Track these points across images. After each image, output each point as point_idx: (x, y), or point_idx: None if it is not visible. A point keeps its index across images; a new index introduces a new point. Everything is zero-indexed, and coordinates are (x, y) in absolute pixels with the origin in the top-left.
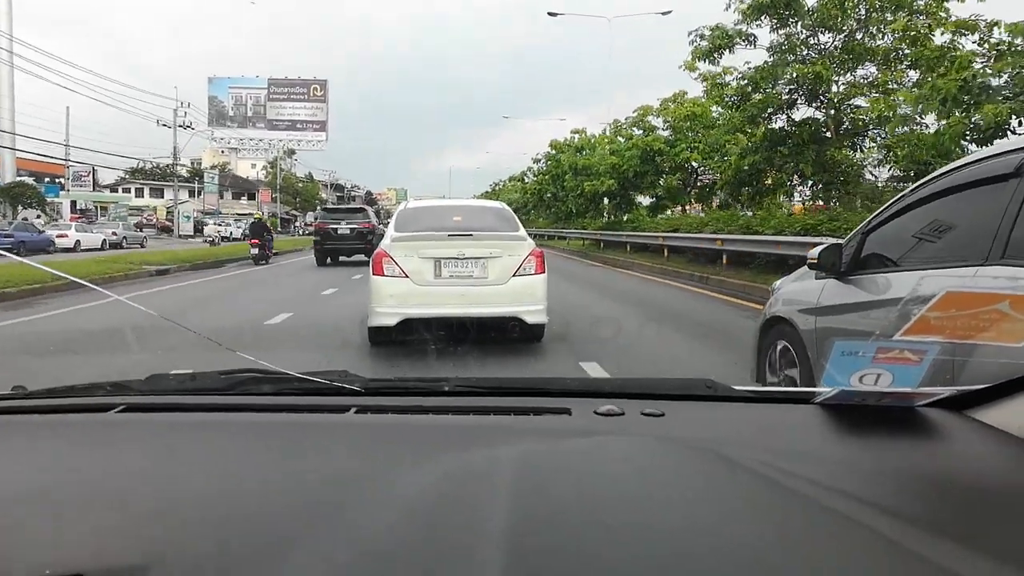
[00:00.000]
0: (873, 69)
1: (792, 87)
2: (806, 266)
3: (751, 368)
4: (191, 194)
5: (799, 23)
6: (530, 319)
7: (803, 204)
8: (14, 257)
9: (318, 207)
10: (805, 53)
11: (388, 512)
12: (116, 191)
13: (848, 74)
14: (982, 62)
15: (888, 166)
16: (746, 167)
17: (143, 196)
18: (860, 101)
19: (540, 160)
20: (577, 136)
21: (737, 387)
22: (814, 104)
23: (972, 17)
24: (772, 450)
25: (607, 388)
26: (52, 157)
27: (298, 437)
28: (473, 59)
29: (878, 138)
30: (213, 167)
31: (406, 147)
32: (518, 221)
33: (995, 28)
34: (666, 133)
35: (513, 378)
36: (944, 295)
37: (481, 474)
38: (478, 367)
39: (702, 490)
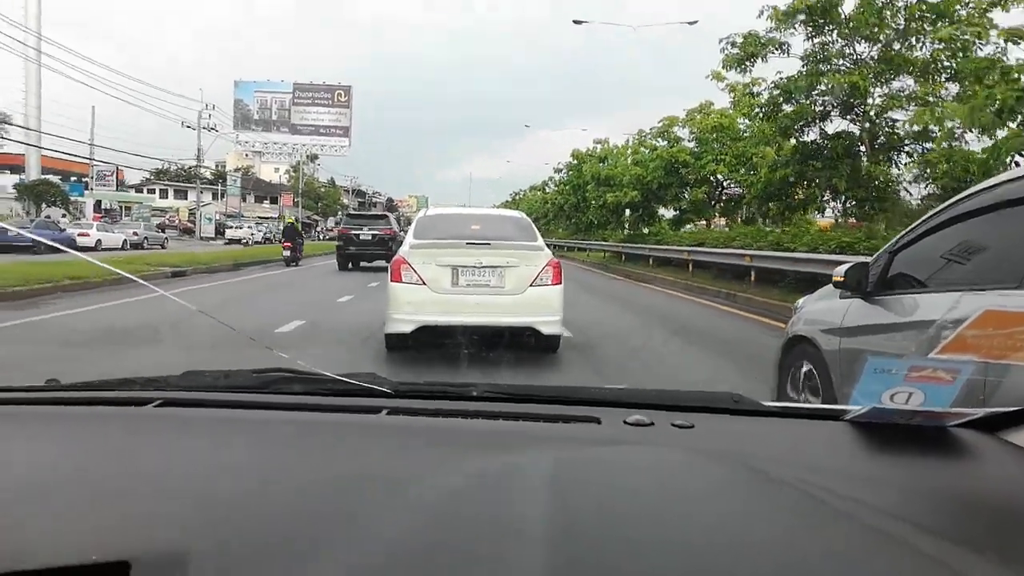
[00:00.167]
0: (910, 82)
1: (826, 98)
2: (831, 285)
3: (771, 387)
4: (214, 196)
5: (835, 32)
6: (546, 330)
7: (836, 220)
8: (76, 253)
9: (340, 212)
10: (840, 63)
11: (420, 515)
12: (141, 192)
13: (884, 86)
14: None
15: (924, 183)
16: (777, 180)
17: (167, 197)
18: (897, 115)
19: (562, 170)
20: (600, 146)
21: (765, 403)
22: (848, 117)
23: None
24: (803, 465)
25: (635, 399)
26: (77, 156)
27: (330, 437)
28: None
29: (914, 153)
30: (237, 170)
31: (428, 155)
32: (536, 231)
33: None
34: (691, 144)
35: (541, 386)
36: (983, 313)
37: (513, 479)
38: (496, 376)
39: (738, 503)
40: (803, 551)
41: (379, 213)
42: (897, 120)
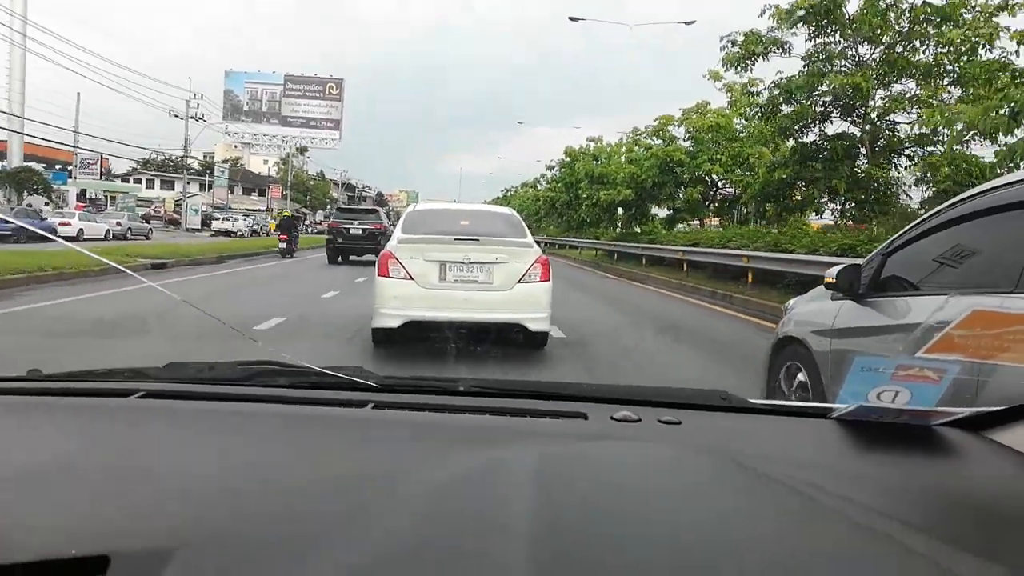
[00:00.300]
0: (912, 85)
1: (828, 99)
2: (822, 286)
3: (761, 388)
4: (202, 187)
5: (837, 33)
6: (533, 326)
7: (835, 222)
8: (64, 243)
9: (328, 206)
10: (841, 64)
11: (407, 509)
12: (128, 181)
13: (886, 88)
14: None
15: (926, 186)
16: (775, 181)
17: (154, 187)
18: (899, 117)
19: (554, 167)
20: (593, 144)
21: (752, 400)
22: (849, 118)
23: None
24: (790, 462)
25: (622, 394)
26: (61, 144)
27: (315, 430)
28: (490, 64)
29: (915, 156)
30: (225, 161)
31: (418, 149)
32: (525, 227)
33: None
34: (687, 144)
35: (528, 381)
36: (971, 313)
37: (499, 475)
38: (484, 372)
39: (724, 499)
40: (789, 547)
41: (369, 207)
42: (899, 123)
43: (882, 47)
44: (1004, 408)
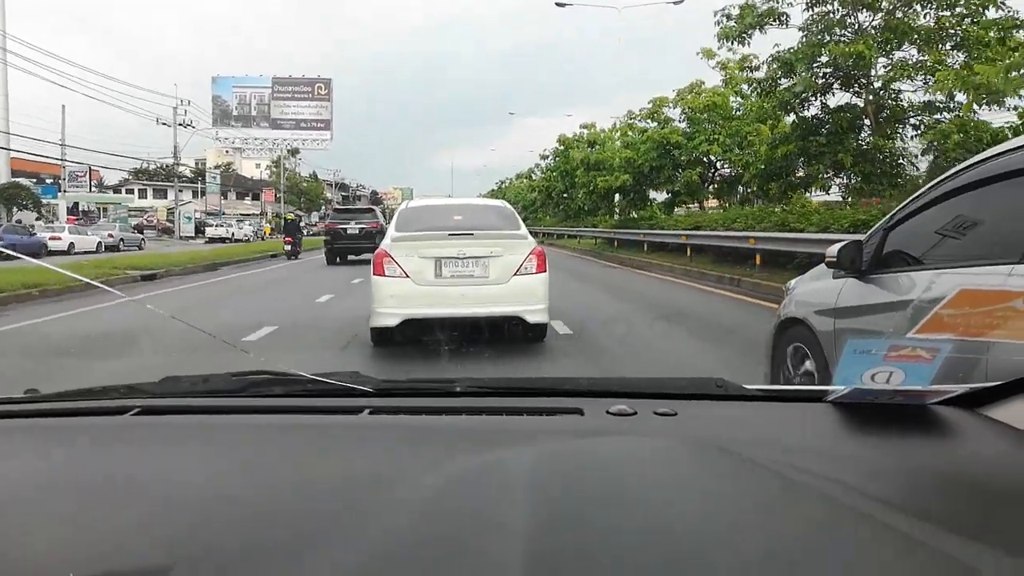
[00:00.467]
0: (913, 51)
1: (828, 70)
2: (823, 264)
3: (764, 372)
4: (195, 194)
5: (836, 1)
6: (531, 318)
7: (844, 198)
8: (31, 260)
9: (323, 207)
10: (840, 33)
11: (404, 514)
12: (120, 192)
13: (888, 56)
14: None
15: (933, 155)
16: (778, 157)
17: (147, 197)
18: (903, 85)
19: (548, 156)
20: (587, 131)
21: (748, 386)
22: (851, 89)
23: None
24: (786, 448)
25: (618, 387)
26: (48, 158)
27: (312, 439)
28: (479, 57)
29: (921, 125)
30: (217, 167)
31: (411, 146)
32: (519, 219)
33: None
34: (683, 125)
35: (524, 378)
36: (958, 292)
37: (496, 475)
38: (489, 369)
39: (719, 489)
40: (786, 534)
41: (365, 207)
42: (903, 91)
43: (881, 13)
44: (999, 384)
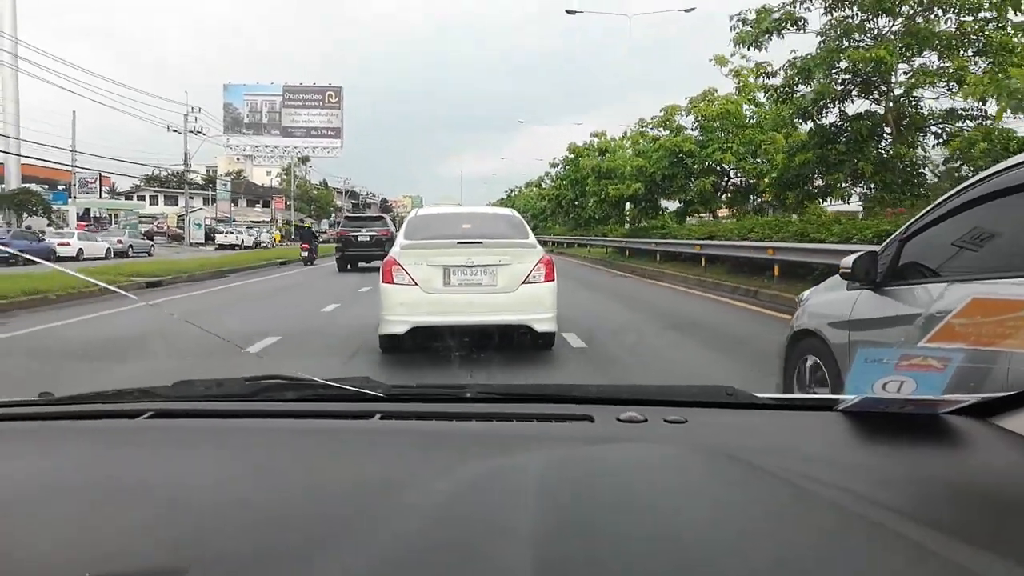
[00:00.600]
0: (933, 58)
1: (847, 77)
2: (837, 276)
3: (776, 384)
4: (206, 201)
5: (855, 5)
6: (539, 327)
7: (865, 207)
8: (48, 264)
9: (333, 215)
10: (859, 39)
11: (414, 518)
12: (131, 199)
13: (908, 62)
14: None
15: (957, 164)
16: (796, 166)
17: (158, 204)
18: (925, 92)
19: (558, 164)
20: (597, 139)
21: (758, 394)
22: (870, 96)
23: None
24: (797, 457)
25: (628, 395)
26: (60, 163)
27: (324, 443)
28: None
29: (943, 134)
30: (228, 174)
31: (421, 153)
32: (528, 228)
33: None
34: (695, 133)
35: (534, 384)
36: (970, 301)
37: (507, 480)
38: (491, 376)
39: (729, 497)
40: (796, 542)
41: (376, 215)
42: (924, 98)
43: (902, 18)
44: (1011, 394)
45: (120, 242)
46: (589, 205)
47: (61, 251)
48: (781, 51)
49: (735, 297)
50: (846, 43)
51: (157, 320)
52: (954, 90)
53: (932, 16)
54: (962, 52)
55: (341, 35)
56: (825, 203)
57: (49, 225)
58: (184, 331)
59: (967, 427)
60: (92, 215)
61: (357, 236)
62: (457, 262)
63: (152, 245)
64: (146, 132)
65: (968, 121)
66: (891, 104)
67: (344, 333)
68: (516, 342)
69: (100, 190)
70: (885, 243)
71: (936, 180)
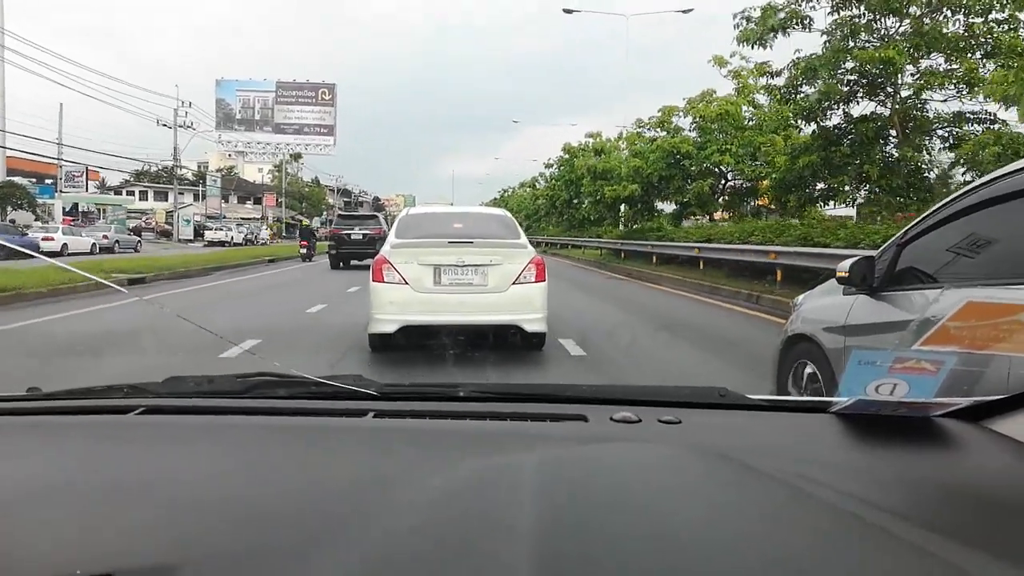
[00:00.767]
0: (940, 60)
1: (853, 77)
2: (833, 280)
3: (770, 389)
4: (196, 197)
5: (862, 5)
6: (529, 327)
7: (871, 210)
8: (44, 258)
9: (324, 212)
10: (866, 39)
11: (409, 516)
12: (121, 193)
13: (915, 64)
14: None
15: (964, 168)
16: (798, 168)
17: (147, 199)
18: (933, 95)
19: (552, 165)
20: (592, 140)
21: (751, 395)
22: (876, 98)
23: None
24: (790, 458)
25: (621, 395)
26: (46, 157)
27: (316, 440)
28: (484, 65)
29: (950, 136)
30: (219, 170)
31: (414, 153)
32: (519, 228)
33: None
34: (693, 135)
35: (528, 384)
36: (965, 305)
37: (501, 479)
38: (484, 375)
39: (723, 497)
40: (789, 543)
41: (369, 213)
42: (931, 100)
43: (909, 19)
44: (1003, 397)
45: (106, 237)
46: (584, 206)
47: (45, 246)
48: (781, 52)
49: (734, 301)
50: (852, 43)
51: (140, 317)
52: (963, 92)
53: (941, 17)
54: (970, 54)
55: (341, 35)
56: (827, 207)
57: (36, 220)
58: (173, 327)
59: (959, 430)
60: (80, 210)
61: (350, 234)
62: (448, 261)
63: (139, 241)
64: (136, 127)
65: (976, 124)
66: (897, 106)
67: (331, 334)
68: (508, 342)
69: (87, 184)
70: (882, 248)
71: (938, 184)
